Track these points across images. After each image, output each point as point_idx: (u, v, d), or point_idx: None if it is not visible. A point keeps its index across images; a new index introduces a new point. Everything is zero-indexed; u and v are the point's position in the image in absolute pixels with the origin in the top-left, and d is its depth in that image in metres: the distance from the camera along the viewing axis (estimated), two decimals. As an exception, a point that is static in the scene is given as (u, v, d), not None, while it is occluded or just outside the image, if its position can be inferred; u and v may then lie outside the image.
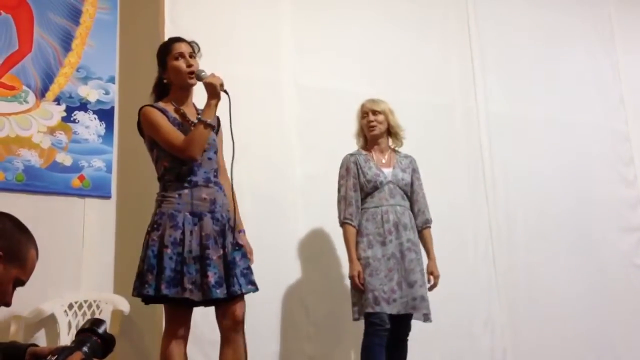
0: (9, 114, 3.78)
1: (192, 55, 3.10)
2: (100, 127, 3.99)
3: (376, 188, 3.69)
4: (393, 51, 4.78)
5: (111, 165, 3.93)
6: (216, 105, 3.01)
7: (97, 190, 3.88)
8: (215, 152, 3.12)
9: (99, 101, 4.02)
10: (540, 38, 5.39)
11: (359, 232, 3.62)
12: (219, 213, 3.01)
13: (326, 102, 4.40)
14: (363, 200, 3.69)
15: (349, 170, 3.71)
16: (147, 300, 2.93)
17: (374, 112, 3.79)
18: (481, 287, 4.66)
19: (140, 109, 3.04)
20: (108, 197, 3.87)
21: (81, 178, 3.86)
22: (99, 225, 3.76)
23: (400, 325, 3.62)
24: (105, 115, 4.01)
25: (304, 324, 4.03)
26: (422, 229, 3.78)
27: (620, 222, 5.27)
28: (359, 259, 3.56)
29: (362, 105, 3.84)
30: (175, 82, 3.08)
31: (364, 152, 3.79)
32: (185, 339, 2.94)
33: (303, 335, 4.02)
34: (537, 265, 4.85)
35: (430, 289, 3.68)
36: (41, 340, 3.47)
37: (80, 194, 3.83)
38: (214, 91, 3.01)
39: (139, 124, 3.06)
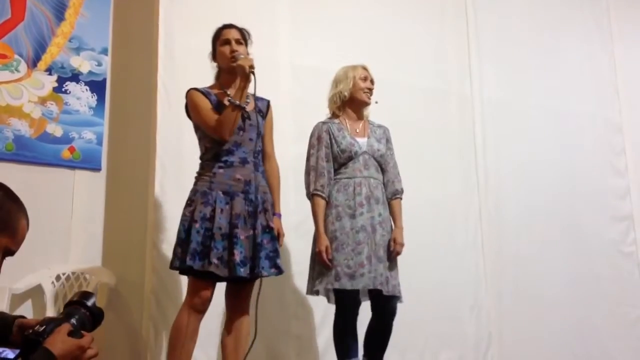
0: (0, 83, 3.74)
1: (240, 42, 3.23)
2: (92, 99, 3.95)
3: (350, 158, 3.50)
4: (390, 35, 4.76)
5: (102, 138, 3.90)
6: (244, 87, 3.10)
7: (87, 162, 3.84)
8: (257, 134, 3.20)
9: (91, 72, 3.98)
10: (537, 27, 5.38)
11: (328, 204, 3.45)
12: (253, 194, 3.09)
13: (321, 83, 4.35)
14: (336, 171, 3.51)
15: (321, 140, 3.51)
16: (181, 272, 3.08)
17: (372, 82, 3.65)
18: (469, 272, 4.68)
19: (187, 92, 3.18)
20: (98, 169, 3.84)
21: (71, 150, 3.82)
22: (89, 198, 3.73)
23: (385, 307, 3.47)
24: (97, 86, 3.97)
25: (292, 303, 4.03)
26: (392, 200, 3.58)
27: (610, 211, 5.29)
28: (325, 232, 3.39)
29: (363, 69, 3.63)
30: (222, 66, 3.24)
31: (336, 121, 3.59)
32: (201, 312, 3.03)
33: (290, 315, 4.03)
34: (525, 252, 4.86)
35: (392, 255, 3.44)
36: (28, 311, 3.46)
37: (70, 165, 3.80)
38: (243, 73, 3.11)
39: (186, 106, 3.20)
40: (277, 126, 4.21)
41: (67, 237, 3.63)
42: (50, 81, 3.87)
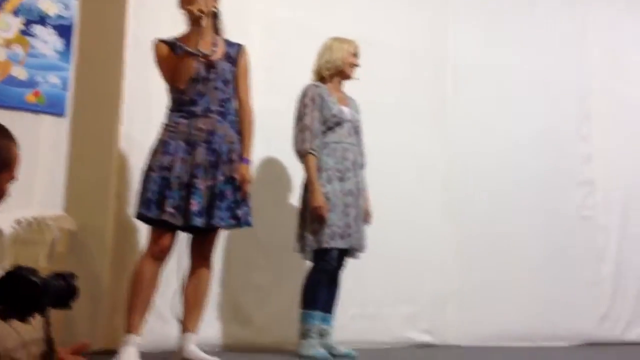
0: (-36, 24, 3.68)
1: None
2: (59, 43, 3.89)
3: (338, 124, 3.70)
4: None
5: (67, 83, 3.86)
6: (195, 33, 3.09)
7: (52, 107, 3.80)
8: (225, 82, 3.18)
9: (59, 16, 3.91)
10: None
11: (317, 167, 3.63)
12: (217, 144, 3.10)
13: (294, 38, 4.35)
14: (323, 133, 3.68)
15: (315, 101, 3.67)
16: (140, 219, 3.15)
17: (358, 57, 3.84)
18: (436, 232, 4.75)
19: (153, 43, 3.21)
20: (62, 115, 3.81)
21: (36, 94, 3.78)
22: (52, 143, 3.69)
23: (344, 264, 3.76)
24: (64, 31, 3.90)
25: (254, 253, 4.09)
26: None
27: (574, 176, 5.37)
28: None
29: (355, 46, 3.82)
30: (186, 14, 3.20)
31: (324, 86, 3.77)
32: (161, 260, 3.10)
33: (252, 265, 4.09)
34: (491, 213, 4.95)
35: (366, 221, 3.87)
36: (-13, 253, 3.47)
37: (35, 109, 3.76)
38: (192, 18, 3.08)
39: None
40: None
41: (29, 182, 3.61)
42: (17, 23, 3.80)
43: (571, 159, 5.37)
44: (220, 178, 3.11)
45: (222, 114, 3.17)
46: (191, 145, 3.08)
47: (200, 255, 3.22)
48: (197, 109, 3.12)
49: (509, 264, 4.95)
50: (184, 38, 3.18)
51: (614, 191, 5.47)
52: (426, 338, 4.61)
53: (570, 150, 5.38)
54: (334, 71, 3.80)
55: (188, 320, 3.19)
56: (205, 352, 3.22)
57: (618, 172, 5.49)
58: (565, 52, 5.46)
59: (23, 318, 1.59)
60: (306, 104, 3.69)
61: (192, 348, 3.16)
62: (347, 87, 3.93)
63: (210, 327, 3.79)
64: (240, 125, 3.26)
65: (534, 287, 5.01)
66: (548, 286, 5.08)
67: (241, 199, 3.17)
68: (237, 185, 3.16)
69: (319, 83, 3.80)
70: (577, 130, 5.43)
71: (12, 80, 3.74)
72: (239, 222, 3.18)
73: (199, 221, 3.03)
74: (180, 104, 3.13)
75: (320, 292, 3.65)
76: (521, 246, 5.03)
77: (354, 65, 3.83)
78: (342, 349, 3.71)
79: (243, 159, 3.22)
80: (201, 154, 3.08)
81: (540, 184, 5.19)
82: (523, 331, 4.88)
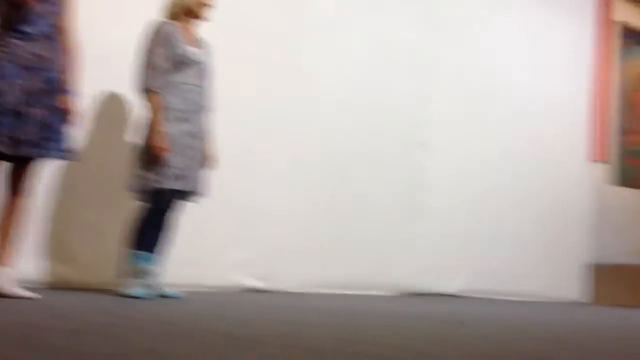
0: None
1: None
2: None
3: (185, 64, 3.64)
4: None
5: None
6: None
7: None
8: (57, 7, 3.04)
9: None
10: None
11: (161, 106, 3.57)
12: (50, 72, 2.97)
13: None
14: (168, 73, 3.61)
15: (161, 38, 3.60)
16: None
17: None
18: (280, 183, 4.89)
19: None
20: None
21: None
22: None
23: (181, 205, 3.77)
24: None
25: (85, 190, 3.96)
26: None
27: (411, 137, 5.62)
28: None
29: None
30: None
31: (175, 24, 3.69)
32: None
33: (82, 202, 3.97)
34: (331, 169, 5.17)
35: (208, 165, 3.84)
36: None
37: None
38: None
39: None
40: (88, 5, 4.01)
41: None
42: None
43: (410, 120, 5.61)
44: (50, 108, 3.01)
45: (56, 41, 3.05)
46: (26, 70, 2.93)
47: (19, 186, 3.11)
48: (36, 32, 2.97)
49: (341, 217, 5.19)
50: None
51: (447, 153, 5.79)
52: (257, 284, 4.72)
53: (410, 112, 5.61)
54: (185, 10, 3.73)
55: (3, 254, 3.07)
56: (26, 289, 3.13)
57: (453, 136, 5.82)
58: (409, 15, 5.64)
59: None
60: (153, 41, 3.61)
61: (7, 282, 3.05)
62: (204, 29, 3.85)
63: (32, 263, 3.66)
64: (66, 55, 3.14)
65: (360, 240, 5.27)
66: (372, 240, 5.34)
67: (68, 132, 3.09)
68: (67, 117, 3.07)
69: (169, 21, 3.71)
70: (417, 94, 5.65)
71: None
72: (65, 154, 3.11)
73: (28, 151, 2.92)
74: (15, 24, 2.94)
75: (149, 232, 3.64)
76: (356, 201, 5.27)
77: (206, 5, 3.76)
78: (169, 291, 3.72)
79: (68, 90, 3.12)
80: (36, 81, 2.95)
81: (380, 143, 5.41)
82: (347, 280, 5.14)
